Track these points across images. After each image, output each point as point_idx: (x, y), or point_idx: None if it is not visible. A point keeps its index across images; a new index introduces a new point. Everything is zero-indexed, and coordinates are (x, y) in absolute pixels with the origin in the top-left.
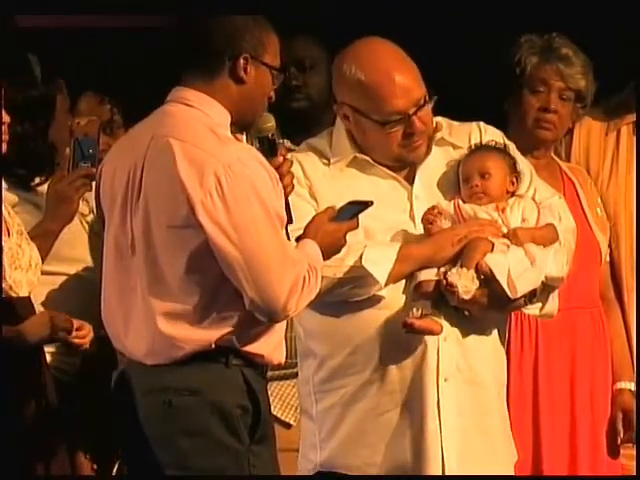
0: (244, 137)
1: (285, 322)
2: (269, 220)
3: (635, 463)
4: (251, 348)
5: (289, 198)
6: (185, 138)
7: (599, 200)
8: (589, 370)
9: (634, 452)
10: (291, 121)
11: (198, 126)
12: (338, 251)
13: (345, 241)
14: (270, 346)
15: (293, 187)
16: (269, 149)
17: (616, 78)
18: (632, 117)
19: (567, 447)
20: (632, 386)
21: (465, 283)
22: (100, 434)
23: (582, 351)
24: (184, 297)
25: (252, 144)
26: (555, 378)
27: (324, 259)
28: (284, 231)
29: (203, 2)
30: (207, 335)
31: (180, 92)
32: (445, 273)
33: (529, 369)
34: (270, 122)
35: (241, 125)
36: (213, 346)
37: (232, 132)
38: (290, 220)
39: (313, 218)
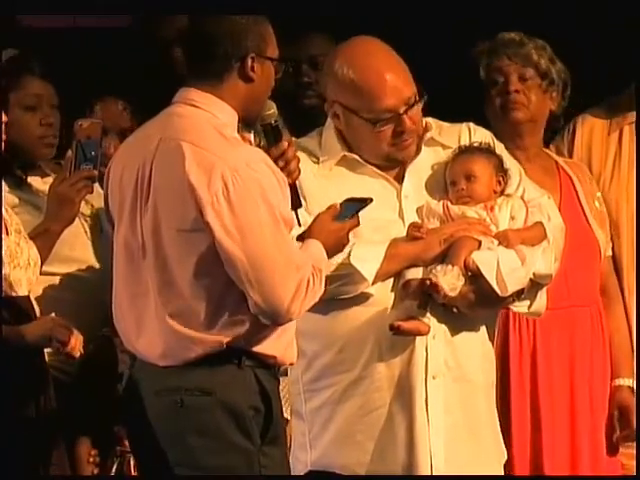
0: (251, 135)
1: (295, 322)
2: (275, 223)
3: (635, 463)
4: (263, 349)
5: (296, 182)
6: (194, 141)
7: (598, 194)
8: (588, 368)
9: (634, 452)
10: (302, 118)
11: (207, 128)
12: (341, 250)
13: (348, 240)
14: (282, 347)
15: (300, 171)
16: (273, 136)
17: (618, 77)
18: (634, 116)
19: (567, 445)
20: (631, 382)
21: (450, 280)
22: (99, 434)
23: (581, 349)
24: (195, 300)
25: (256, 135)
26: (554, 376)
27: (328, 258)
28: (295, 216)
29: (213, 3)
30: (218, 337)
31: (187, 93)
32: (429, 273)
33: (528, 368)
34: (271, 109)
35: (247, 121)
36: (225, 347)
37: (238, 129)
38: (299, 204)
39: (316, 217)
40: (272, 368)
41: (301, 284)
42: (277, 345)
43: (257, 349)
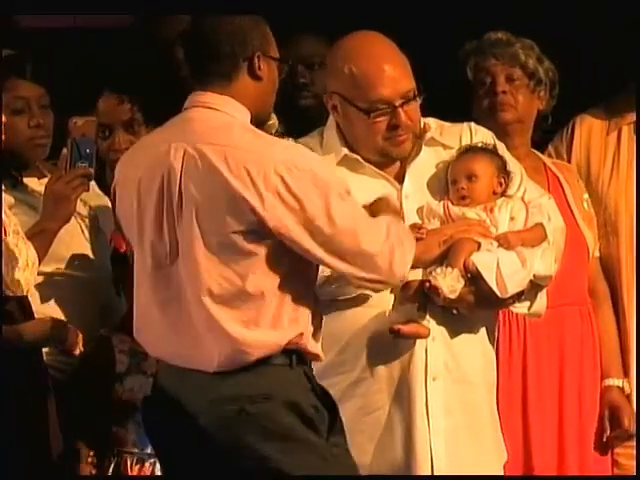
0: None
1: None
2: (342, 196)
3: (635, 463)
4: (312, 348)
5: None
6: (227, 143)
7: (586, 196)
8: (578, 368)
9: (634, 452)
10: (298, 119)
11: (235, 129)
12: None
13: None
14: (320, 343)
15: None
16: None
17: (618, 77)
18: (633, 116)
19: (556, 445)
20: (620, 383)
21: (450, 282)
22: (97, 434)
23: (570, 348)
24: (253, 302)
25: None
26: (544, 376)
27: None
28: None
29: (211, 3)
30: (277, 339)
31: (200, 97)
32: (429, 275)
33: (518, 367)
34: (272, 119)
35: (257, 122)
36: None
37: None
38: None
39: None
40: (310, 364)
41: (390, 238)
42: (319, 342)
43: (308, 348)
